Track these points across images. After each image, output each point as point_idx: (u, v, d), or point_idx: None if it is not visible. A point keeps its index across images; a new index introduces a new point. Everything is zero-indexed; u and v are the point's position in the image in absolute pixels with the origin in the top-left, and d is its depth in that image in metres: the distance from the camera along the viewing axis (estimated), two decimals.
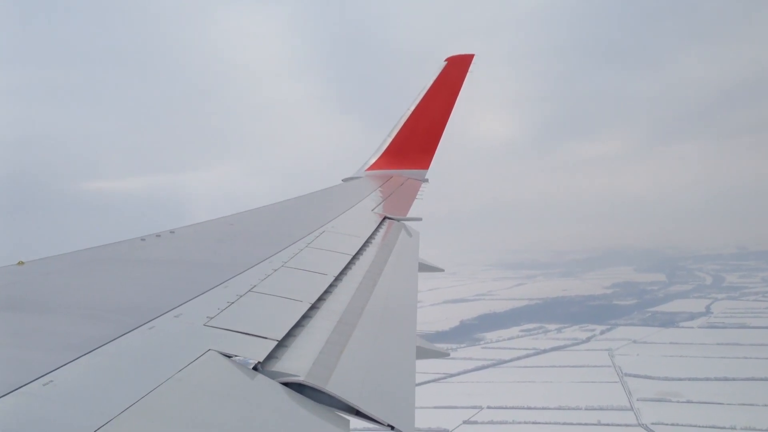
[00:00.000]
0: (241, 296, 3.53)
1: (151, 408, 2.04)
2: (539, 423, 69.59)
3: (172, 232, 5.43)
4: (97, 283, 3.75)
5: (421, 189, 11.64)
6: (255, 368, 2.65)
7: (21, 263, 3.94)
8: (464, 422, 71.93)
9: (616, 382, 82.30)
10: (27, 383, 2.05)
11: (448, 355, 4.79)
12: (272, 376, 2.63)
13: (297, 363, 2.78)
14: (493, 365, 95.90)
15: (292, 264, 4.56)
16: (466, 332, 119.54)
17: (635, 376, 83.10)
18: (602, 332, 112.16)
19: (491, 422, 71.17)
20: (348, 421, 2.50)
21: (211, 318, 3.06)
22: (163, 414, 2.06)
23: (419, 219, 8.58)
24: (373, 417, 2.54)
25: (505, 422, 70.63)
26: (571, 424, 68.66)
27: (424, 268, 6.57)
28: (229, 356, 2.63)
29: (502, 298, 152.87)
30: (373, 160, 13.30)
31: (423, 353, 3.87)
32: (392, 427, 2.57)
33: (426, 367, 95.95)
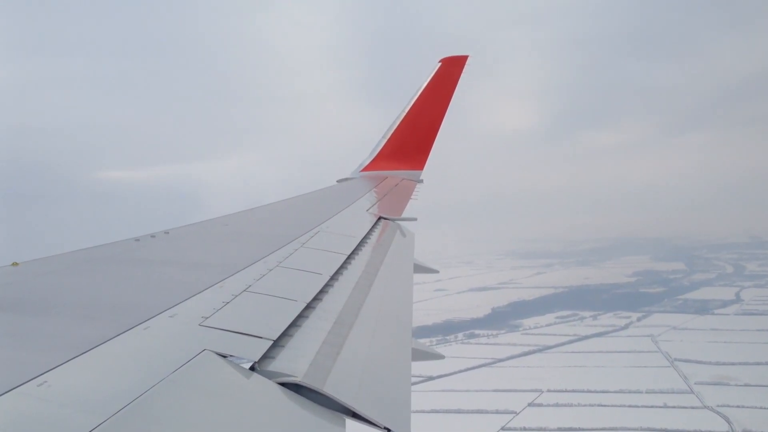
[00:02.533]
0: (236, 296, 3.54)
1: (147, 408, 2.05)
2: (604, 405, 71.63)
3: (166, 232, 5.45)
4: (91, 283, 3.75)
5: (416, 189, 11.77)
6: (252, 368, 2.68)
7: (15, 264, 3.94)
8: (529, 405, 73.88)
9: (667, 366, 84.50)
10: (22, 384, 2.05)
11: (443, 357, 4.85)
12: (269, 376, 2.64)
13: (293, 363, 2.79)
14: (539, 351, 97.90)
15: (287, 264, 4.56)
16: (501, 319, 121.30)
17: (685, 361, 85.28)
18: (639, 319, 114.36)
19: (556, 404, 73.18)
20: (344, 421, 2.51)
21: (207, 318, 3.07)
22: (159, 414, 2.07)
23: (414, 219, 8.65)
24: (370, 419, 2.56)
25: (570, 405, 72.65)
26: (636, 406, 70.73)
27: (419, 269, 6.54)
28: (224, 356, 2.65)
29: (525, 286, 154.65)
30: (368, 162, 13.34)
31: (418, 355, 3.85)
32: (389, 430, 2.59)
33: (474, 352, 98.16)
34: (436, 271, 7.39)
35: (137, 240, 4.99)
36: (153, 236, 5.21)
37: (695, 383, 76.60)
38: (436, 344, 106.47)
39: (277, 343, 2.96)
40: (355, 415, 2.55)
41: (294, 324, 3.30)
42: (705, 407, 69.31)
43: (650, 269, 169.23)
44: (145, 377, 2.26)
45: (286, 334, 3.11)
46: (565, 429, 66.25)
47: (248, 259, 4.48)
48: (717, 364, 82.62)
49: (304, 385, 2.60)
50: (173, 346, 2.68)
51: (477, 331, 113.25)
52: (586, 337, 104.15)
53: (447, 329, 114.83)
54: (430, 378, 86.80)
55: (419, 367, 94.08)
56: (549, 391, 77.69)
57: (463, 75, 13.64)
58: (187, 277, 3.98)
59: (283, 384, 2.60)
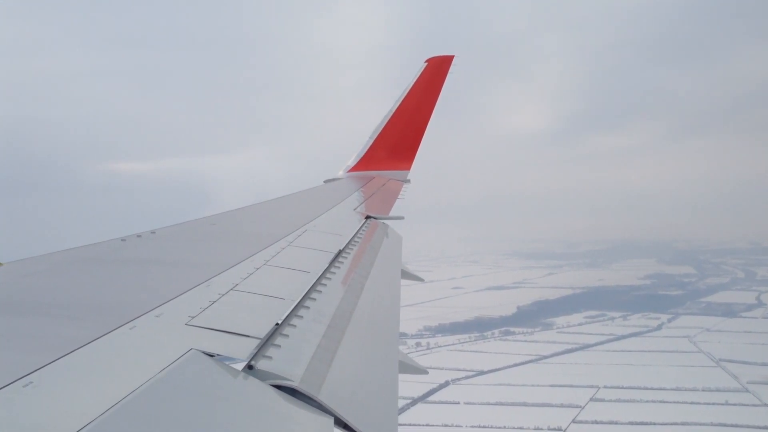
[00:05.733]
0: (222, 295, 3.51)
1: (133, 408, 2.03)
2: (667, 402, 74.20)
3: (153, 232, 5.42)
4: (77, 283, 3.72)
5: (403, 189, 11.92)
6: (250, 367, 2.67)
7: None
8: (591, 400, 76.15)
9: (714, 366, 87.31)
10: (6, 385, 2.02)
11: (427, 372, 4.75)
12: (258, 376, 2.61)
13: (284, 365, 2.75)
14: (581, 348, 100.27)
15: (274, 262, 4.55)
16: (530, 318, 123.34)
17: (730, 361, 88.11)
18: (669, 320, 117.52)
19: (618, 400, 75.55)
20: (332, 424, 2.48)
21: (193, 317, 3.05)
22: (146, 414, 2.05)
23: (401, 218, 8.76)
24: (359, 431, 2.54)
25: (633, 401, 75.06)
26: (698, 403, 73.33)
27: (406, 275, 6.52)
28: (211, 355, 2.64)
29: (542, 286, 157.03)
30: (355, 162, 13.40)
31: (403, 368, 3.88)
32: None
33: (516, 348, 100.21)
34: (422, 280, 7.32)
35: (123, 240, 4.97)
36: (139, 236, 5.19)
37: (747, 382, 79.45)
38: (474, 340, 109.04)
39: (264, 342, 2.93)
40: (344, 425, 2.53)
41: (281, 323, 3.26)
42: (764, 405, 72.15)
43: (660, 272, 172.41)
44: (131, 377, 2.24)
45: (273, 332, 3.09)
46: (636, 423, 68.67)
47: (235, 258, 4.47)
48: (763, 364, 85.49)
49: (299, 390, 2.56)
50: (160, 345, 2.67)
51: (511, 329, 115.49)
52: (623, 337, 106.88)
53: (480, 326, 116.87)
54: (482, 372, 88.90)
55: (469, 362, 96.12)
56: (606, 387, 79.99)
57: (450, 75, 13.68)
58: (173, 277, 3.97)
59: (275, 386, 2.58)
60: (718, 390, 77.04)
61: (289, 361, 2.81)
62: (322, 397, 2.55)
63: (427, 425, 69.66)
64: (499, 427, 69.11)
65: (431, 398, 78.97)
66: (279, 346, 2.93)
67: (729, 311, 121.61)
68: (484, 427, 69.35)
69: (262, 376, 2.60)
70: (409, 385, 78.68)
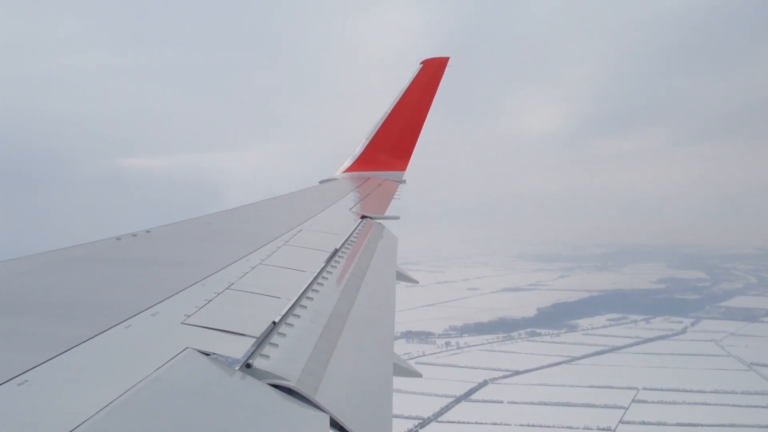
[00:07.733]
0: (218, 294, 3.52)
1: (129, 407, 2.02)
2: (709, 404, 75.41)
3: (148, 231, 5.41)
4: (72, 282, 3.71)
5: (398, 190, 11.99)
6: (247, 366, 2.65)
7: None
8: (633, 401, 77.31)
9: (746, 370, 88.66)
10: (2, 383, 2.01)
11: (421, 375, 4.69)
12: (255, 375, 2.60)
13: (281, 364, 2.73)
14: (611, 351, 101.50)
15: (269, 262, 4.58)
16: (553, 319, 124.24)
17: (762, 365, 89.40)
18: (692, 324, 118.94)
19: (661, 402, 76.75)
20: (328, 423, 2.45)
21: (189, 316, 3.05)
22: (141, 413, 2.03)
23: (397, 218, 8.83)
24: None
25: (675, 402, 76.28)
26: (740, 406, 74.66)
27: (399, 277, 6.51)
28: (207, 354, 2.63)
29: (557, 288, 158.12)
30: (351, 163, 13.45)
31: (397, 370, 3.83)
32: None
33: (546, 349, 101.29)
34: (416, 282, 7.41)
35: (118, 239, 4.97)
36: (134, 235, 5.18)
37: None
38: (502, 341, 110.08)
39: (260, 341, 2.94)
40: (339, 427, 2.52)
41: (278, 322, 3.28)
42: None
43: (672, 277, 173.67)
44: (127, 376, 2.23)
45: (268, 331, 3.10)
46: (684, 424, 69.88)
47: (231, 258, 4.48)
48: None
49: (295, 390, 2.56)
50: (155, 344, 2.67)
51: (537, 330, 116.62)
52: (650, 340, 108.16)
53: (505, 327, 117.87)
54: (517, 372, 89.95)
55: (502, 362, 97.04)
56: (645, 389, 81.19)
57: (446, 76, 13.72)
58: (169, 276, 3.95)
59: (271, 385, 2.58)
60: (756, 393, 78.30)
61: (286, 360, 2.81)
62: (319, 398, 2.56)
63: (476, 423, 70.60)
64: (549, 426, 70.25)
65: (473, 397, 79.96)
66: (276, 345, 2.94)
67: (750, 316, 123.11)
68: (532, 425, 70.38)
69: (259, 375, 2.60)
70: (449, 384, 79.76)
